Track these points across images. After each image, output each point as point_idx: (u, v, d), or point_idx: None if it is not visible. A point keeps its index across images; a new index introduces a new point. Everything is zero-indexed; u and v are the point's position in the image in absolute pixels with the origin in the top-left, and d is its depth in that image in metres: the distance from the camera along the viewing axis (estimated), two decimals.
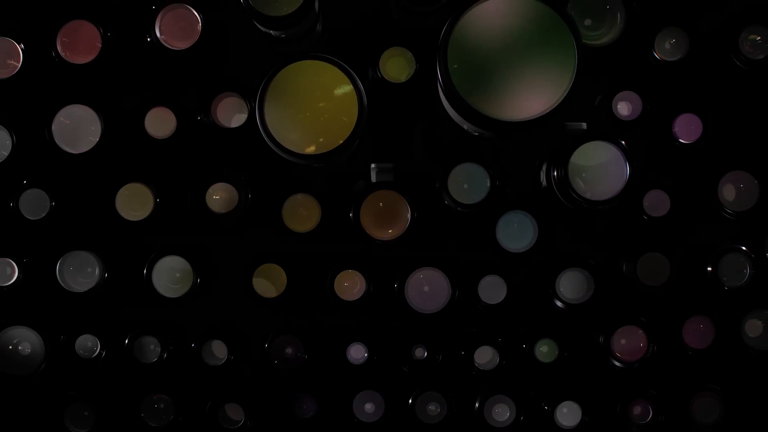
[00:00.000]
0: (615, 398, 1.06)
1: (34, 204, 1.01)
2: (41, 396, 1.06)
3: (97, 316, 1.06)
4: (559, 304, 1.03)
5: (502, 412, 1.07)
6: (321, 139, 0.88)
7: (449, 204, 1.00)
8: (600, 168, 0.94)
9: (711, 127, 1.04)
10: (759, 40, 1.01)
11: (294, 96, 0.88)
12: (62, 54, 0.99)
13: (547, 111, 0.77)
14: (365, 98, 0.88)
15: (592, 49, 0.97)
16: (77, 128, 1.01)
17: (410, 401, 1.07)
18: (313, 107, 0.88)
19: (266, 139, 0.88)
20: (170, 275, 1.03)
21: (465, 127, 0.87)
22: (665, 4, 1.02)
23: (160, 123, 1.03)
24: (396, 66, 1.03)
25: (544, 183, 1.00)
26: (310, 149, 0.87)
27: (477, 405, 1.07)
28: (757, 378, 1.07)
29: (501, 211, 1.02)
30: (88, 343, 1.04)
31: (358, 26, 1.06)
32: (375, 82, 1.03)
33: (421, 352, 1.07)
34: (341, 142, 0.87)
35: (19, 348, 1.06)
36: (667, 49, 1.02)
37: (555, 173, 0.95)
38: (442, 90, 0.80)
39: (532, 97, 0.78)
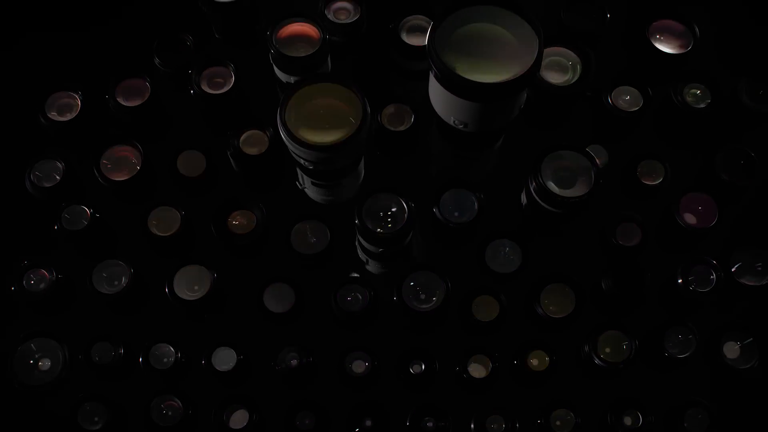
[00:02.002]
0: (605, 406, 1.10)
1: (75, 218, 1.15)
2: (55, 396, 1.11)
3: (118, 323, 1.15)
4: (543, 316, 1.12)
5: (497, 428, 1.11)
6: (332, 136, 1.05)
7: (442, 221, 1.13)
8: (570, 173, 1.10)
9: (669, 170, 1.19)
10: (699, 93, 1.20)
11: (311, 106, 1.07)
12: (118, 100, 1.19)
13: (516, 77, 0.95)
14: (368, 105, 1.05)
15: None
16: (120, 162, 1.18)
17: (407, 422, 1.11)
18: (327, 113, 1.07)
19: (285, 136, 1.04)
20: (189, 284, 1.13)
21: (452, 120, 1.04)
22: (622, 63, 1.23)
23: (191, 164, 1.20)
24: (395, 118, 1.21)
25: (525, 201, 1.14)
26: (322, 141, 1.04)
27: (473, 424, 1.11)
28: (738, 391, 1.13)
29: (488, 231, 1.15)
30: (108, 351, 1.12)
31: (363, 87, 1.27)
32: (378, 130, 1.20)
33: (418, 368, 1.13)
34: (349, 135, 1.04)
35: (39, 364, 1.13)
36: (623, 102, 1.21)
37: (534, 184, 1.09)
38: (435, 72, 0.98)
39: (505, 68, 0.97)
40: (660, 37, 1.22)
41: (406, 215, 1.09)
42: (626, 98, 1.21)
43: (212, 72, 1.20)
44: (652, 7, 1.23)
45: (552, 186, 1.08)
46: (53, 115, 1.19)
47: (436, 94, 1.03)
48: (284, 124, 1.05)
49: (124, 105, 1.19)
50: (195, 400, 1.13)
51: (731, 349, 1.14)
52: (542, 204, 1.09)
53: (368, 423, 1.12)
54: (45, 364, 1.13)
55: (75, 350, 1.12)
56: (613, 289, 1.13)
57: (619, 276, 1.13)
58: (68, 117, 1.19)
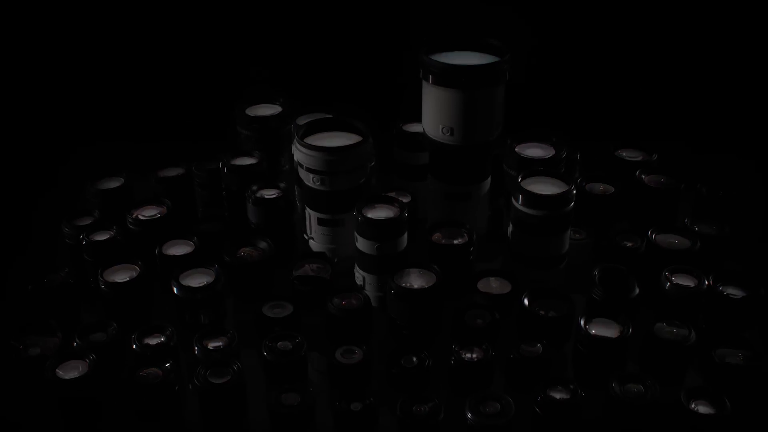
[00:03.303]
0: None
1: (100, 234, 1.27)
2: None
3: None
4: (536, 314, 1.14)
5: (492, 409, 1.05)
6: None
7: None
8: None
9: (643, 243, 1.30)
10: (663, 181, 1.37)
11: (323, 138, 1.28)
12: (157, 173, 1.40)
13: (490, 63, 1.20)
14: (371, 137, 1.26)
15: None
16: (147, 210, 1.34)
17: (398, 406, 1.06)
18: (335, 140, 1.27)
19: (297, 143, 1.23)
20: (192, 280, 1.19)
21: (440, 129, 1.23)
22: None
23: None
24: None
25: (511, 228, 1.24)
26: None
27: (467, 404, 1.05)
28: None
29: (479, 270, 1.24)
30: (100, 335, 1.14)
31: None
32: None
33: (409, 360, 1.11)
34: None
35: (28, 350, 1.13)
36: (599, 190, 1.38)
37: (520, 198, 1.21)
38: (428, 70, 1.21)
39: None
40: (624, 152, 1.45)
41: (400, 213, 1.20)
42: (600, 188, 1.38)
43: (240, 159, 1.41)
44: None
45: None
46: (99, 185, 1.38)
47: (427, 105, 1.24)
48: (298, 136, 1.24)
49: (160, 176, 1.39)
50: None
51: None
52: (528, 212, 1.20)
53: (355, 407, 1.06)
54: (34, 351, 1.13)
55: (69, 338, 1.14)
56: (602, 295, 1.16)
57: (607, 282, 1.17)
58: (111, 186, 1.38)
